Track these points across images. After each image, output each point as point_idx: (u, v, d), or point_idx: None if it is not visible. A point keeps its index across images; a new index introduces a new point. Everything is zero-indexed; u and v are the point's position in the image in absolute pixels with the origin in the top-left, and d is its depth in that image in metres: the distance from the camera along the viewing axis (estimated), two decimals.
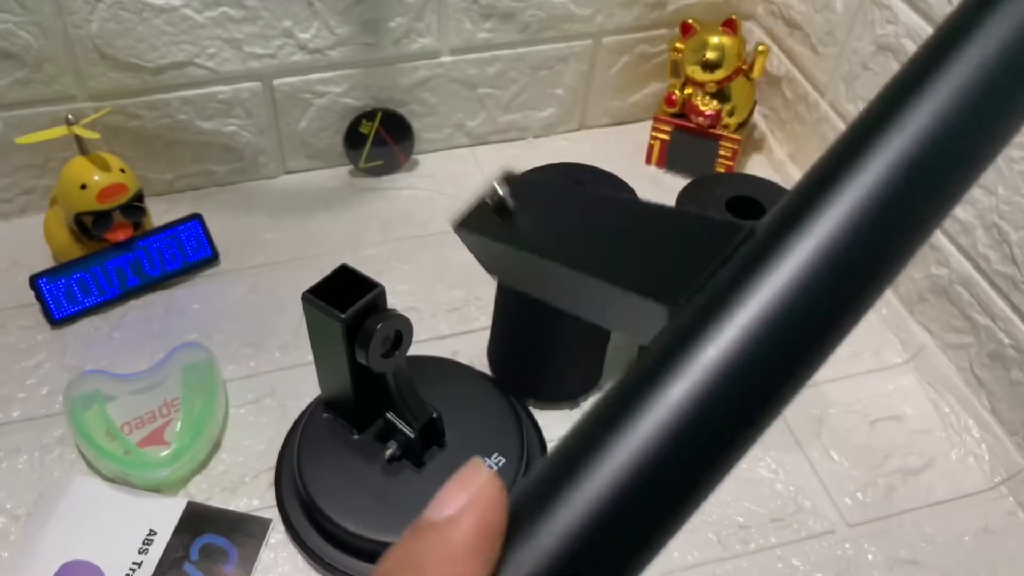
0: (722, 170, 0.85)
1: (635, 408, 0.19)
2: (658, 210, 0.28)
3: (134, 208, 0.70)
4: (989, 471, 0.64)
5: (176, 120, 0.77)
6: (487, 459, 0.59)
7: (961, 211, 0.66)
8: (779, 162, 0.88)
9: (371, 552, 0.56)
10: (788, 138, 0.88)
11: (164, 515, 0.59)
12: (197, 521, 0.59)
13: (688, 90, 0.83)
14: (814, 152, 0.83)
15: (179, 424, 0.61)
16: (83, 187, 0.67)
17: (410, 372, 0.56)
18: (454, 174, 0.86)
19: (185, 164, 0.81)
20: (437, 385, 0.61)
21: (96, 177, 0.67)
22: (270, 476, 0.62)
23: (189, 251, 0.74)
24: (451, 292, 0.75)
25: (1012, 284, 0.62)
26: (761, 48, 0.81)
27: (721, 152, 0.84)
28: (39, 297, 0.69)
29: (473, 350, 0.70)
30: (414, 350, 0.55)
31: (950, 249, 0.67)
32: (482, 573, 0.18)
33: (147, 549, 0.57)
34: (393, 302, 0.57)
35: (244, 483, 0.61)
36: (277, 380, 0.68)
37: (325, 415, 0.61)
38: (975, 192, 0.64)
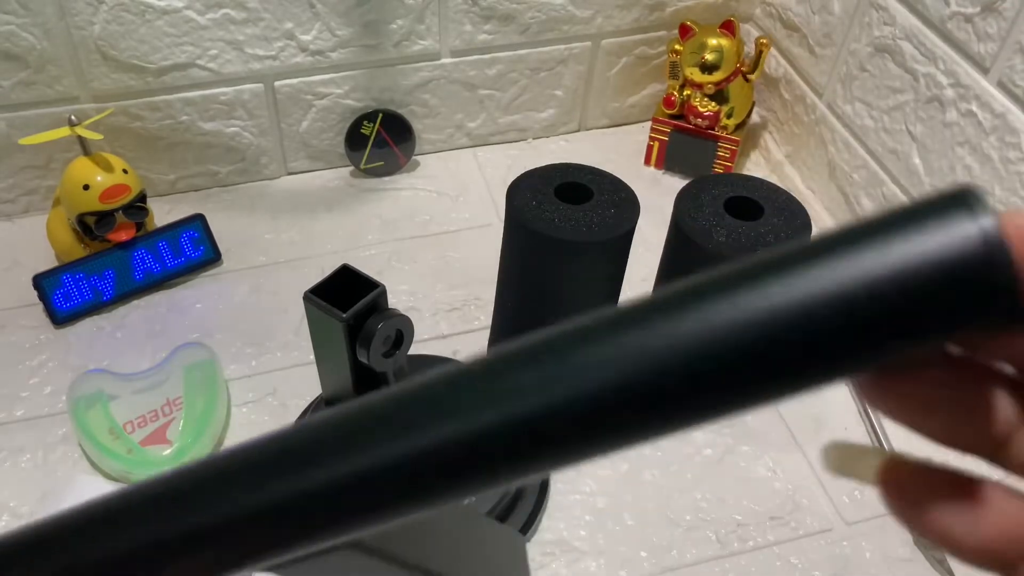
0: (720, 171, 0.85)
1: None
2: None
3: (136, 208, 0.70)
4: (987, 469, 0.64)
5: (178, 121, 0.78)
6: None
7: None
8: (777, 163, 0.89)
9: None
10: (786, 139, 0.88)
11: None
12: None
13: (687, 91, 0.83)
14: (812, 153, 0.84)
15: (181, 423, 0.62)
16: (86, 188, 0.67)
17: (411, 371, 0.57)
18: (455, 175, 0.87)
19: (187, 165, 0.81)
20: None
21: (99, 178, 0.68)
22: None
23: (191, 251, 0.74)
24: (451, 292, 0.75)
25: None
26: (763, 40, 0.81)
27: (719, 153, 0.85)
28: (42, 297, 0.69)
29: (473, 349, 0.70)
30: (415, 349, 0.56)
31: None
32: None
33: None
34: (394, 302, 0.57)
35: None
36: (279, 379, 0.68)
37: None
38: None
